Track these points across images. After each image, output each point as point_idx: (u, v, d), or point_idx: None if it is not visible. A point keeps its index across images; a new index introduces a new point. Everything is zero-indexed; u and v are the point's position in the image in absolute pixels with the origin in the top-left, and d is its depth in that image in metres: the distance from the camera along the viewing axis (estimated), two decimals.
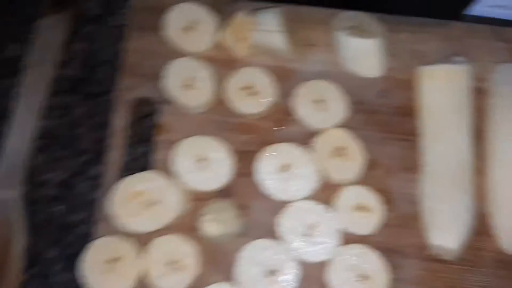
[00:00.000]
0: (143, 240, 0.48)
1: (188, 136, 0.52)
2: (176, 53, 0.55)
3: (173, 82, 0.53)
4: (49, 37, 0.57)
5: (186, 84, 0.53)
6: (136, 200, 0.48)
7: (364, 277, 0.48)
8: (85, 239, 0.51)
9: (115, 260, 0.47)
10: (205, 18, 0.55)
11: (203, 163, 0.50)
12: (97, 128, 0.54)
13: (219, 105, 0.54)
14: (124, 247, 0.47)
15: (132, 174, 0.51)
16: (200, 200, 0.50)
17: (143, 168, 0.52)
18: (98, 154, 0.54)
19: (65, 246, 0.51)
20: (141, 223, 0.48)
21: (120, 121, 0.53)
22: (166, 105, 0.53)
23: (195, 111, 0.53)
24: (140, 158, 0.53)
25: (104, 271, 0.46)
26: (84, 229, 0.51)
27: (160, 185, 0.49)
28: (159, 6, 0.55)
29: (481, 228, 0.51)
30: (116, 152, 0.52)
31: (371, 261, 0.48)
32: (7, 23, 0.57)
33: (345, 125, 0.53)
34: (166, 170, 0.51)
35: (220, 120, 0.53)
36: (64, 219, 0.52)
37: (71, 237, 0.51)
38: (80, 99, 0.56)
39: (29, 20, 0.57)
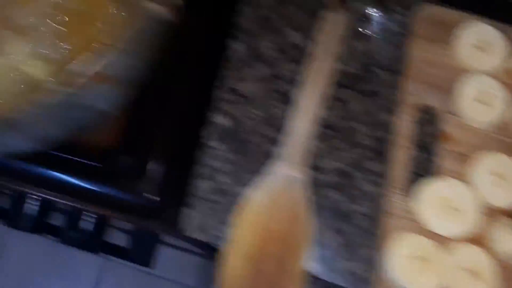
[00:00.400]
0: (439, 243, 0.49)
1: (475, 150, 0.52)
2: (462, 68, 0.56)
3: (465, 95, 0.54)
4: (332, 30, 0.59)
5: (479, 99, 0.54)
6: (440, 204, 0.49)
7: None
8: (363, 230, 0.52)
9: (420, 258, 0.47)
10: (497, 40, 0.56)
11: (500, 179, 0.51)
12: (372, 126, 0.56)
13: (507, 126, 0.54)
14: (428, 247, 0.48)
15: (415, 177, 0.52)
16: (491, 215, 0.51)
17: (424, 172, 0.53)
18: (374, 151, 0.55)
19: (342, 234, 0.52)
20: (442, 227, 0.49)
21: (401, 124, 0.54)
22: (452, 115, 0.54)
23: (482, 127, 0.54)
24: (423, 163, 0.54)
25: (412, 268, 0.47)
26: (360, 220, 0.52)
27: (461, 193, 0.50)
28: (449, 20, 0.57)
29: None
30: (398, 152, 0.53)
31: None
32: (290, 13, 0.59)
33: None
34: (456, 178, 0.51)
35: (507, 141, 0.54)
36: (341, 206, 0.53)
37: (348, 226, 0.52)
38: (356, 95, 0.57)
39: (313, 13, 0.59)
